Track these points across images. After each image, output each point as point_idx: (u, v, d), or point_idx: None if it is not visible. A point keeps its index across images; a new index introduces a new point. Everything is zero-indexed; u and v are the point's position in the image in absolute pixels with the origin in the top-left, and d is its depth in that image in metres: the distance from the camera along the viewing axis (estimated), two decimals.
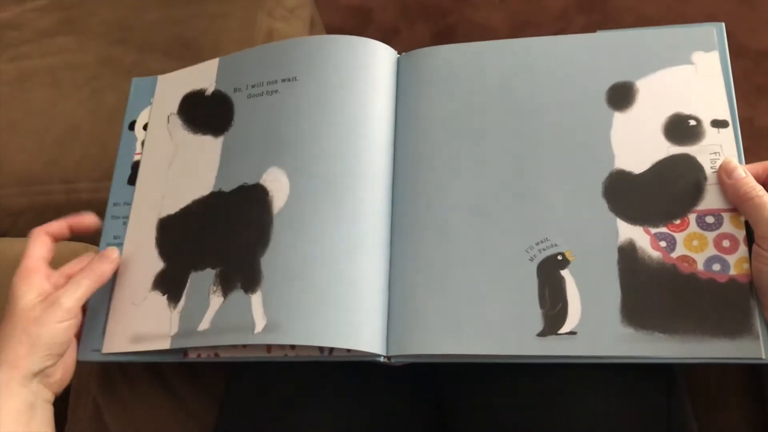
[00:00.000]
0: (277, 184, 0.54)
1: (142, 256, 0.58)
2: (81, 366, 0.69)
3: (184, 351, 0.54)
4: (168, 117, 0.63)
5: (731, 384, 0.57)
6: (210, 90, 0.62)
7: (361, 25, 1.34)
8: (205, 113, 0.61)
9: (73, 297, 0.52)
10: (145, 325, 0.55)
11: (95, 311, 0.58)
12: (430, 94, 0.57)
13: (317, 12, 1.11)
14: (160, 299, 0.55)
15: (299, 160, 0.54)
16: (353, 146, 0.54)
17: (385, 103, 0.57)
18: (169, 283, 0.55)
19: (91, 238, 0.81)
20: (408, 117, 0.57)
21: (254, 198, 0.54)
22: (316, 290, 0.50)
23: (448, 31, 1.32)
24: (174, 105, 0.63)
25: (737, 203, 0.48)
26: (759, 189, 0.47)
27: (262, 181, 0.55)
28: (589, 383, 0.50)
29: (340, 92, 0.56)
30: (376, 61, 0.57)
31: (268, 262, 0.52)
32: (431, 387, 0.59)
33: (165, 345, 0.53)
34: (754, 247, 0.46)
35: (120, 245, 0.59)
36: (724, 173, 0.48)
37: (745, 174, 0.48)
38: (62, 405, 0.70)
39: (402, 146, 0.56)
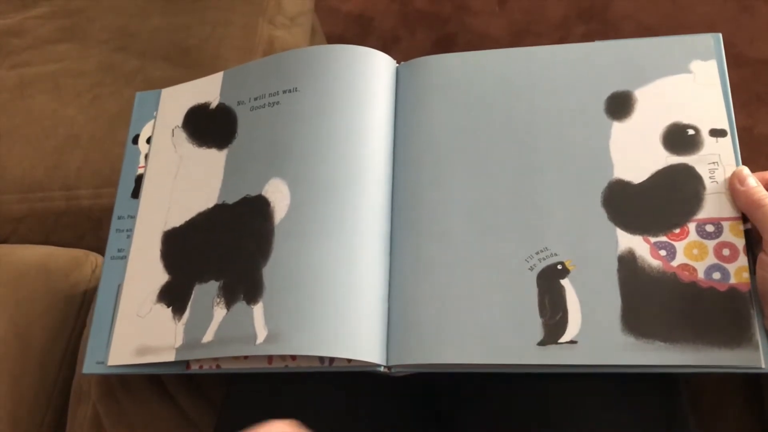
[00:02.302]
0: (279, 194, 0.54)
1: (148, 269, 0.58)
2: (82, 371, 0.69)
3: (187, 363, 0.54)
4: (173, 130, 0.63)
5: (731, 391, 0.57)
6: (214, 103, 0.62)
7: (362, 33, 1.35)
8: (209, 126, 0.61)
9: None
10: (151, 337, 0.55)
11: (100, 324, 0.58)
12: (429, 103, 0.57)
13: (318, 20, 1.12)
14: (165, 311, 0.55)
15: (300, 170, 0.54)
16: (353, 155, 0.54)
17: (385, 112, 0.57)
18: (174, 296, 0.56)
19: (92, 245, 0.81)
20: (407, 126, 0.57)
21: (257, 209, 0.54)
22: (316, 300, 0.50)
23: (449, 39, 1.32)
24: (178, 118, 0.63)
25: (749, 210, 0.48)
26: None
27: (264, 193, 0.55)
28: (588, 391, 0.50)
29: (340, 102, 0.56)
30: (376, 70, 0.58)
31: (269, 272, 0.52)
32: (431, 398, 0.58)
33: (170, 357, 0.53)
34: (761, 255, 0.46)
35: (124, 258, 0.59)
36: (737, 180, 0.48)
37: (756, 183, 0.48)
38: (62, 411, 0.70)
39: (401, 155, 0.56)
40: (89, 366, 0.57)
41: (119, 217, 0.61)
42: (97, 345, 0.57)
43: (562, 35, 1.29)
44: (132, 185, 0.63)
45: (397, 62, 0.59)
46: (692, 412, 0.53)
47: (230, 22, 0.94)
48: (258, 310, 0.51)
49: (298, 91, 0.57)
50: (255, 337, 0.50)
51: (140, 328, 0.56)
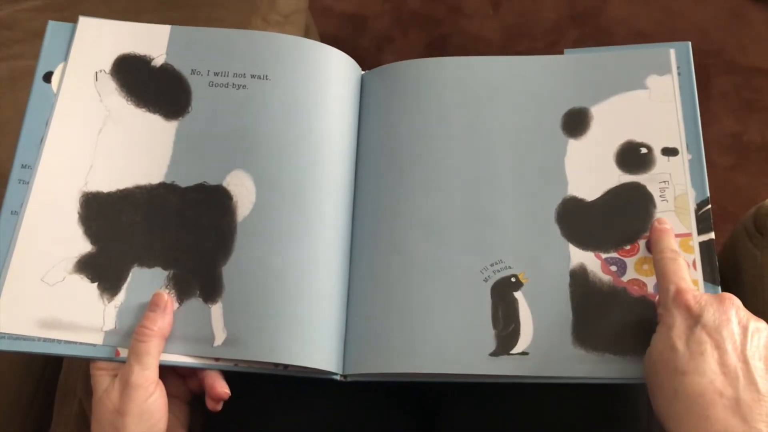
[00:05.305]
0: (243, 189, 0.52)
1: (56, 229, 0.52)
2: (68, 367, 0.69)
3: (116, 349, 0.50)
4: (96, 74, 0.56)
5: None
6: (158, 62, 0.56)
7: (356, 32, 1.35)
8: (152, 87, 0.55)
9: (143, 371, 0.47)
10: (65, 311, 0.50)
11: None
12: (391, 111, 0.57)
13: (312, 19, 1.12)
14: (88, 286, 0.50)
15: (267, 167, 0.53)
16: (320, 159, 0.53)
17: (351, 119, 0.57)
18: (102, 272, 0.51)
19: None
20: (370, 134, 0.57)
21: (216, 201, 0.52)
22: (276, 306, 0.50)
23: (442, 40, 1.32)
24: (105, 61, 0.56)
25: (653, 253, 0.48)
26: (676, 252, 0.47)
27: (225, 184, 0.53)
28: (570, 391, 0.51)
29: (311, 101, 0.54)
30: (345, 75, 0.57)
31: (230, 272, 0.51)
32: (419, 398, 0.59)
33: (96, 340, 0.49)
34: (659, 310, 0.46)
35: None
36: (657, 223, 0.49)
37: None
38: (48, 405, 0.70)
39: (363, 163, 0.56)
40: None
41: (23, 166, 0.54)
42: None
43: (555, 39, 1.29)
44: (43, 130, 0.55)
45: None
46: None
47: (223, 20, 0.94)
48: (216, 310, 0.50)
49: (268, 80, 0.55)
50: (213, 338, 0.49)
51: (48, 298, 0.50)
